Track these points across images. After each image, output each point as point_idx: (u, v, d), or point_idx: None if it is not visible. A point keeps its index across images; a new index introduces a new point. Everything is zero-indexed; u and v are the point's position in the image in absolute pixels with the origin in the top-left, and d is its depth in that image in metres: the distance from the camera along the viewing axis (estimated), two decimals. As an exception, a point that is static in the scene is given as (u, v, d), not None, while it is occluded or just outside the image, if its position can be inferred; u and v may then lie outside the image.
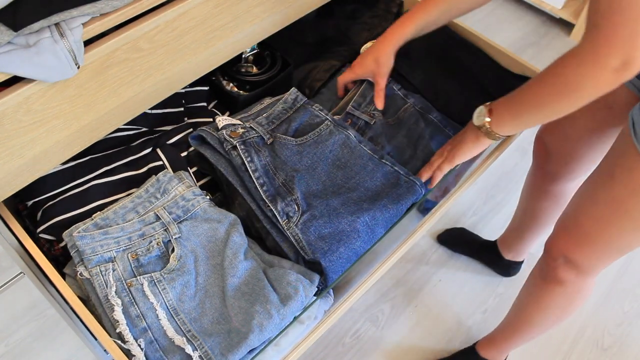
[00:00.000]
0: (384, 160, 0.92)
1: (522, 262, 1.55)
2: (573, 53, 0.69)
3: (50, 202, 0.84)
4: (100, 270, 0.76)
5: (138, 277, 0.77)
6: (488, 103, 0.86)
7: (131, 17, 0.68)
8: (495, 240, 1.54)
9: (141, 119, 0.94)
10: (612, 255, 0.91)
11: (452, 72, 1.10)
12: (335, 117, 0.98)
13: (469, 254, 1.61)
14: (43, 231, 0.82)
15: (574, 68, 0.68)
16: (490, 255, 1.56)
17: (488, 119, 0.84)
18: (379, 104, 1.00)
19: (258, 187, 0.84)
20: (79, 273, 0.77)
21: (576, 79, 0.68)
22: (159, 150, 0.93)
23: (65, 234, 0.80)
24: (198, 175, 0.94)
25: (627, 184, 0.80)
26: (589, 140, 1.03)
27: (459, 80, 1.09)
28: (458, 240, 1.62)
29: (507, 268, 1.55)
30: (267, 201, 0.83)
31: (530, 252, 1.57)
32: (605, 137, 1.00)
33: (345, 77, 1.02)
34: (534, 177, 1.25)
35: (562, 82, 0.70)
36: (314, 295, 0.80)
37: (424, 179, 0.93)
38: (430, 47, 1.11)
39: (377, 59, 0.97)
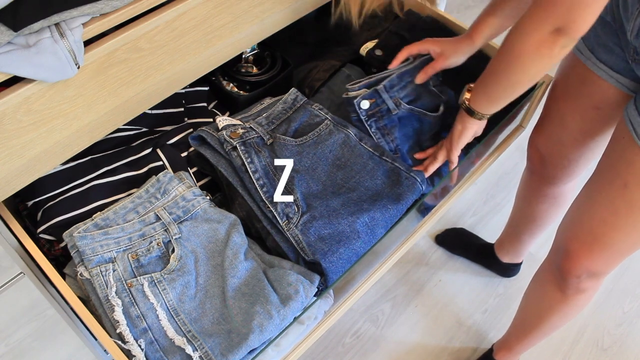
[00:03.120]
0: (384, 158, 0.91)
1: (521, 263, 1.54)
2: (516, 23, 0.73)
3: (51, 203, 0.84)
4: (101, 271, 0.76)
5: (138, 278, 0.77)
6: (471, 84, 0.89)
7: (131, 17, 0.68)
8: (493, 244, 1.54)
9: (141, 119, 0.94)
10: (630, 254, 0.91)
11: (450, 71, 1.10)
12: (361, 90, 0.95)
13: (467, 257, 1.60)
14: (43, 231, 0.82)
15: (515, 35, 0.73)
16: (488, 259, 1.56)
17: (467, 96, 0.88)
18: (420, 78, 0.95)
19: (258, 188, 0.84)
20: (79, 273, 0.77)
21: (518, 45, 0.73)
22: (159, 151, 0.93)
23: (65, 234, 0.80)
24: (198, 176, 0.94)
25: None
26: (583, 142, 1.02)
27: (458, 81, 1.09)
28: (456, 242, 1.61)
29: (507, 270, 1.55)
30: (267, 202, 0.83)
31: (530, 252, 1.57)
32: (599, 137, 1.00)
33: (412, 48, 0.97)
34: (531, 181, 1.24)
35: (509, 50, 0.75)
36: (314, 295, 0.79)
37: (427, 174, 0.93)
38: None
39: (454, 46, 0.94)
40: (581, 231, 0.92)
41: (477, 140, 0.97)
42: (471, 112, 0.88)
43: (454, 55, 0.95)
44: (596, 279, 0.96)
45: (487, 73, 0.83)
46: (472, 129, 0.91)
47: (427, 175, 0.93)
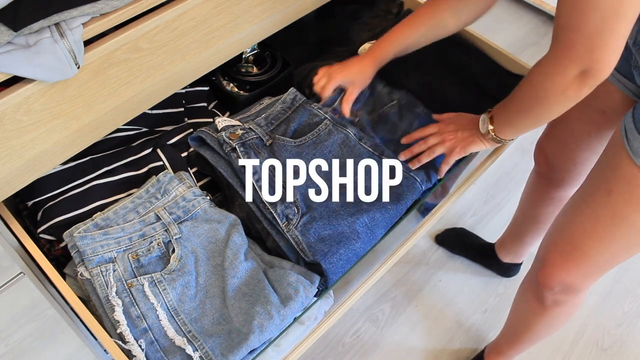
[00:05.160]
0: (384, 157, 0.91)
1: (521, 263, 1.54)
2: (539, 63, 0.73)
3: (51, 203, 0.84)
4: (101, 271, 0.76)
5: (138, 278, 0.77)
6: (489, 110, 0.88)
7: (131, 17, 0.68)
8: (493, 244, 1.54)
9: (141, 119, 0.94)
10: (608, 269, 0.89)
11: (450, 73, 1.10)
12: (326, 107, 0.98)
13: (467, 257, 1.60)
14: (43, 231, 0.82)
15: (540, 77, 0.73)
16: (488, 259, 1.56)
17: (491, 127, 0.87)
18: (346, 111, 0.97)
19: (257, 189, 0.84)
20: (79, 273, 0.77)
21: (543, 86, 0.73)
22: (159, 151, 0.92)
23: (65, 235, 0.80)
24: (198, 176, 0.94)
25: (629, 198, 0.78)
26: (589, 145, 1.02)
27: (457, 82, 1.09)
28: (456, 242, 1.61)
29: (507, 270, 1.55)
30: (266, 203, 0.83)
31: (531, 253, 1.57)
32: (605, 140, 0.99)
33: (326, 91, 0.98)
34: (538, 184, 1.23)
35: (534, 90, 0.75)
36: (315, 296, 0.79)
37: (419, 164, 0.93)
38: (427, 47, 1.11)
39: (361, 71, 0.97)
40: (561, 240, 0.89)
41: None
42: (496, 140, 0.89)
43: (363, 83, 0.99)
44: (573, 293, 0.93)
45: (511, 107, 0.83)
46: (489, 147, 0.92)
47: (419, 164, 0.93)
